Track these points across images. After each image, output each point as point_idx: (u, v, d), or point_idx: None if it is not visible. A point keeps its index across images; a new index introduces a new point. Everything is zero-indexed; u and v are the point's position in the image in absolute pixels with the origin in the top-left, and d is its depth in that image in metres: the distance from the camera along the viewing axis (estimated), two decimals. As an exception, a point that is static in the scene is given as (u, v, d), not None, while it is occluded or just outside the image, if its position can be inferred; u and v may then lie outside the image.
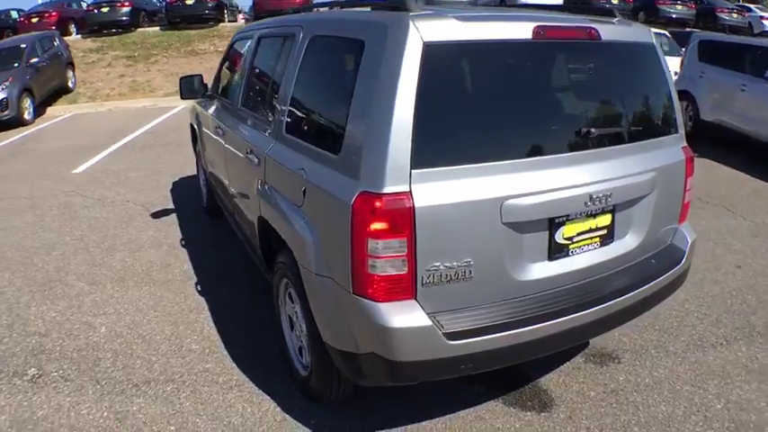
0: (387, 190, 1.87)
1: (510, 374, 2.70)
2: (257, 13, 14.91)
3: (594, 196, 2.16)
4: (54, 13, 16.43)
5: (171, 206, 5.39)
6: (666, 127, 2.55)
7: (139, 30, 17.33)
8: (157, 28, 17.66)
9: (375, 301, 1.94)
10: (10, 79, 10.18)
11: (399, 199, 1.87)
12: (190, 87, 4.34)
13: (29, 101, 10.64)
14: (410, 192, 1.88)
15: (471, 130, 2.03)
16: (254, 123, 3.08)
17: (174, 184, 6.14)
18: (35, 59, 11.24)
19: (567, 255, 2.22)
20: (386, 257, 1.90)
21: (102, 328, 3.23)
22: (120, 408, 2.57)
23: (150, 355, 2.97)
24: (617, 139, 2.33)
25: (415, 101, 1.87)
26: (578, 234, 2.24)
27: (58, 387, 2.72)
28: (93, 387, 2.72)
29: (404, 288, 1.93)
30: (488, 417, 2.48)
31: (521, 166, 2.04)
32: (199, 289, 3.67)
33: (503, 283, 2.08)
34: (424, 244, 1.91)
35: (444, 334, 1.94)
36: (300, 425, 2.44)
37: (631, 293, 2.30)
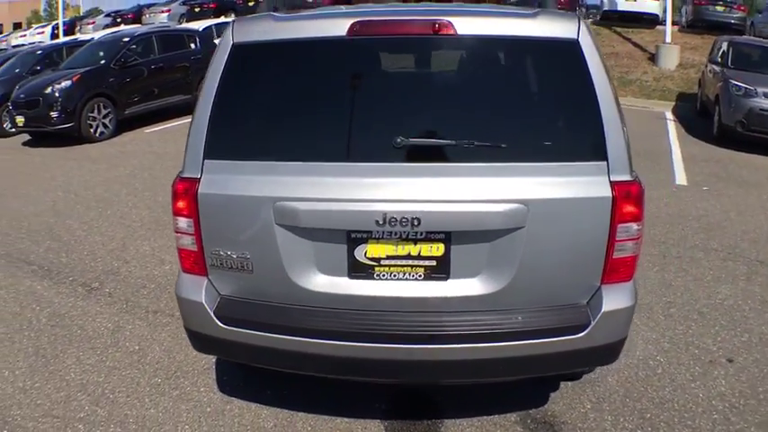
0: (184, 175, 2.04)
1: (419, 402, 2.53)
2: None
3: (390, 217, 1.82)
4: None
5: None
6: (575, 151, 1.88)
7: None
8: None
9: (182, 271, 2.15)
10: (74, 78, 8.25)
11: (190, 184, 2.01)
12: None
13: (107, 111, 8.47)
14: (199, 179, 2.00)
15: (261, 129, 2.01)
16: None
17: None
18: (136, 60, 8.99)
19: (372, 278, 1.93)
20: (184, 234, 2.07)
21: (167, 266, 4.08)
22: (121, 324, 3.31)
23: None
24: (450, 156, 1.88)
25: (214, 97, 1.97)
26: (388, 257, 1.91)
27: (100, 300, 3.64)
28: (120, 305, 3.54)
29: (197, 264, 2.08)
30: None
31: (304, 169, 1.92)
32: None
33: (284, 287, 1.98)
34: (207, 228, 2.01)
35: (216, 315, 2.02)
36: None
37: (459, 346, 1.85)
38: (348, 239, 1.91)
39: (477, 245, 1.88)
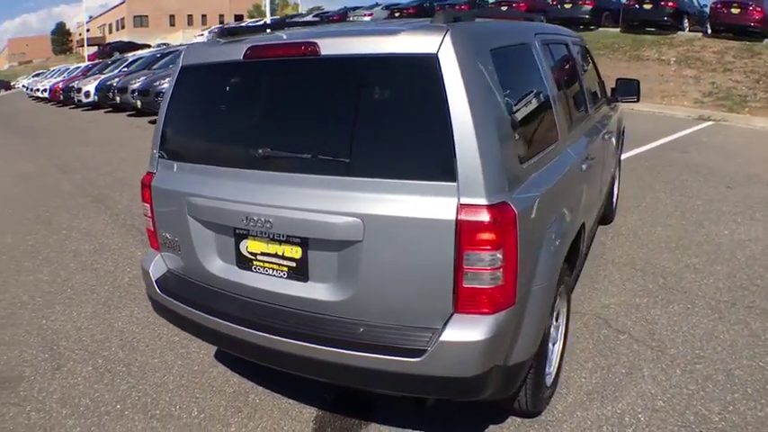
0: (148, 170, 2.55)
1: (356, 401, 2.64)
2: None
3: (251, 218, 2.05)
4: (523, 4, 17.91)
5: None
6: (422, 169, 1.81)
7: (601, 29, 17.52)
8: (618, 29, 17.43)
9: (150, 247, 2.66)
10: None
11: (149, 178, 2.51)
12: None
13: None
14: (154, 174, 2.49)
15: (187, 136, 2.41)
16: None
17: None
18: None
19: (252, 270, 2.16)
20: (146, 216, 2.56)
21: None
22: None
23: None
24: (302, 168, 1.99)
25: (166, 108, 2.44)
26: (262, 254, 2.12)
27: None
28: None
29: (155, 242, 2.55)
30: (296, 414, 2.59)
31: (205, 171, 2.26)
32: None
33: (198, 269, 2.33)
34: (157, 214, 2.48)
35: (157, 283, 2.47)
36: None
37: (303, 344, 1.96)
38: (234, 234, 2.17)
39: (329, 253, 1.96)
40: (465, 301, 1.80)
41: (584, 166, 2.72)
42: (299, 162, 2.01)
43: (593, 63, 4.07)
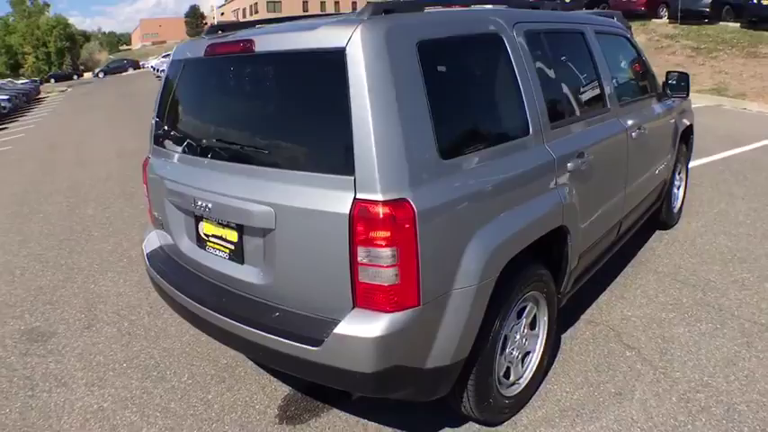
0: (147, 155, 2.79)
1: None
2: None
3: (197, 202, 2.18)
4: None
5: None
6: (326, 163, 1.82)
7: (721, 24, 16.25)
8: (738, 24, 15.93)
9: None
10: None
11: (145, 162, 2.74)
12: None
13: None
14: (148, 159, 2.72)
15: (166, 125, 2.58)
16: None
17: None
18: None
19: (206, 249, 2.30)
20: (144, 197, 2.80)
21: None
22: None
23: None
24: (234, 157, 2.11)
25: (159, 98, 2.64)
26: (212, 236, 2.24)
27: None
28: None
29: (151, 220, 2.78)
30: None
31: (178, 158, 2.44)
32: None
33: (174, 247, 2.52)
34: (150, 196, 2.71)
35: (147, 257, 2.70)
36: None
37: (232, 322, 2.07)
38: (194, 216, 2.31)
39: (257, 238, 2.02)
40: (362, 297, 1.77)
41: (581, 166, 2.48)
42: (232, 152, 2.14)
43: (640, 55, 3.63)
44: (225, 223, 2.14)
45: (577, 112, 2.64)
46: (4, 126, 17.54)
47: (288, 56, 1.96)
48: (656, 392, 2.48)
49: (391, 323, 1.73)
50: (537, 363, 2.47)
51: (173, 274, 2.45)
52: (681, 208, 4.52)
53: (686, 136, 4.24)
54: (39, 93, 32.56)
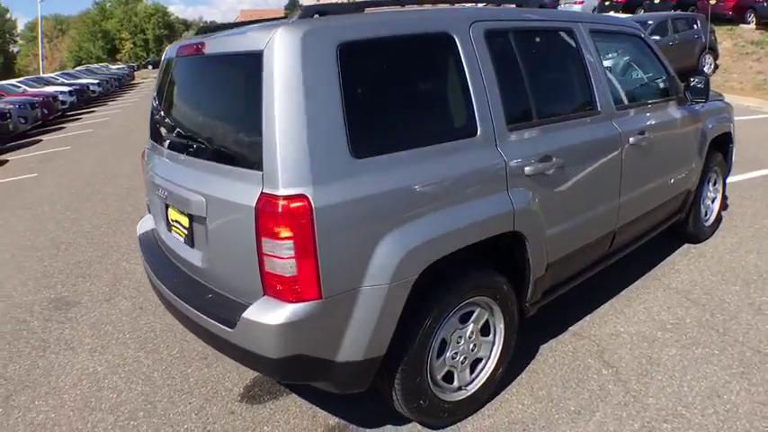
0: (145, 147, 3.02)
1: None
2: None
3: (160, 190, 2.40)
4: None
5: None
6: (243, 158, 1.94)
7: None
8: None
9: None
10: None
11: (143, 154, 2.97)
12: None
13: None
14: (146, 150, 2.94)
15: (153, 120, 2.79)
16: None
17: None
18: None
19: (172, 234, 2.47)
20: (144, 183, 3.05)
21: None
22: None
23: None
24: (185, 150, 2.30)
25: (155, 93, 2.86)
26: (175, 221, 2.40)
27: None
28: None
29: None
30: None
31: (155, 149, 2.66)
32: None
33: (155, 231, 2.74)
34: (145, 182, 2.93)
35: (140, 239, 2.93)
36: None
37: (182, 303, 2.24)
38: (165, 203, 2.48)
39: (200, 225, 2.15)
40: (269, 286, 1.85)
41: (545, 170, 2.37)
42: (183, 146, 2.33)
43: (656, 56, 3.35)
44: (181, 210, 2.30)
45: (549, 114, 2.51)
46: (91, 109, 19.21)
47: (225, 58, 2.13)
48: (618, 416, 2.33)
49: (293, 313, 1.80)
50: (491, 370, 2.41)
51: (151, 256, 2.65)
52: (716, 222, 4.14)
53: (721, 144, 3.87)
54: (133, 78, 34.86)
